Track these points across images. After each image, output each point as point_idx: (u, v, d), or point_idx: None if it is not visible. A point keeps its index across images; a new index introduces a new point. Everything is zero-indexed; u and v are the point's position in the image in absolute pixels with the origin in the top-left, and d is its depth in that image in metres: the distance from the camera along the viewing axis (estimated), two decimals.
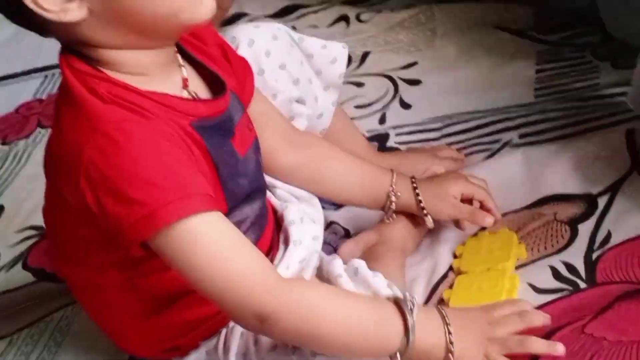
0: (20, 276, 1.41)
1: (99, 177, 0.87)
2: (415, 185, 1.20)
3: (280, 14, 1.97)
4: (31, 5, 0.85)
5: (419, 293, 1.12)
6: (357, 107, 1.56)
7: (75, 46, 0.91)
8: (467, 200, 1.20)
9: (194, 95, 0.97)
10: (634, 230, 1.12)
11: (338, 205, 1.31)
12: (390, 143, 1.44)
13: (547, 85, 1.48)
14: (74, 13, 0.86)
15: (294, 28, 1.84)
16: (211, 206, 0.89)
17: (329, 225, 1.28)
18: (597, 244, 1.13)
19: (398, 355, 0.92)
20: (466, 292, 1.10)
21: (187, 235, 0.87)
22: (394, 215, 1.21)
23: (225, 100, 0.99)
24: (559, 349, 0.95)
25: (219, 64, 1.02)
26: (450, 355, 0.94)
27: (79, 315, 1.27)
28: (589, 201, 1.19)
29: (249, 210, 1.04)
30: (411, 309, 0.92)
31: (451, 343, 0.94)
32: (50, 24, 0.87)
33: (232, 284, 0.89)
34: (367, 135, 1.46)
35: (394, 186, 1.19)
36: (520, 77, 1.52)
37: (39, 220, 1.46)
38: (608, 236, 1.13)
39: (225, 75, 1.01)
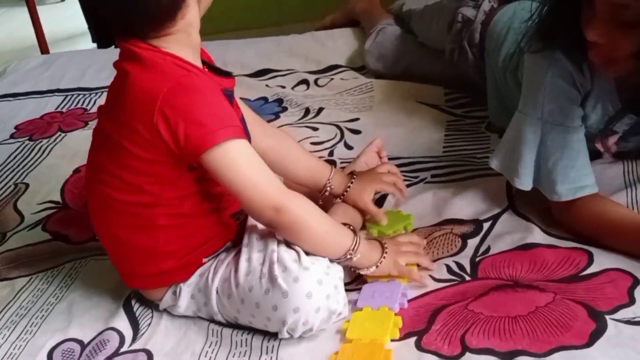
0: (39, 235, 1.44)
1: (174, 110, 0.99)
2: (352, 179, 1.30)
3: (256, 75, 2.03)
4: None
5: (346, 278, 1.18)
6: (312, 143, 1.62)
7: (148, 38, 1.03)
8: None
9: None
10: (505, 246, 1.22)
11: None
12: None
13: (451, 145, 1.56)
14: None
15: (267, 86, 1.95)
16: (244, 135, 1.03)
17: None
18: (480, 253, 1.22)
19: (351, 252, 1.10)
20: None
21: (235, 150, 1.02)
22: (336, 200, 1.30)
23: (234, 81, 1.13)
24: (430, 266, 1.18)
25: None
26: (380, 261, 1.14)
27: (86, 266, 1.32)
28: (477, 224, 1.28)
29: None
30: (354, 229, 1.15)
31: (385, 254, 1.14)
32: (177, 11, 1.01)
33: (259, 187, 1.04)
34: None
35: (330, 179, 1.28)
36: (434, 137, 1.59)
37: (56, 196, 1.56)
38: (488, 249, 1.22)
39: None
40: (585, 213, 1.21)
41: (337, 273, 1.09)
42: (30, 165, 1.72)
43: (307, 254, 1.07)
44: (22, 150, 1.80)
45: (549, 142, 1.22)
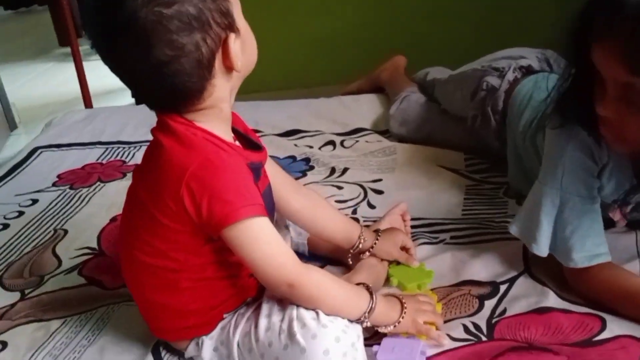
0: (75, 279, 1.45)
1: (200, 186, 0.99)
2: (378, 236, 1.32)
3: (286, 135, 2.06)
4: (234, 59, 1.02)
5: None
6: (337, 201, 1.62)
7: (180, 111, 1.04)
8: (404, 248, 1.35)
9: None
10: (521, 309, 1.20)
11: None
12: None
13: (470, 209, 1.56)
14: (238, 64, 1.03)
15: (295, 145, 1.98)
16: (265, 214, 1.03)
17: None
18: (496, 314, 1.20)
19: (366, 315, 1.09)
20: None
21: (253, 228, 1.02)
22: (364, 255, 1.32)
23: (264, 154, 1.14)
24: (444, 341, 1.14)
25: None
26: (400, 319, 1.13)
27: (118, 311, 1.32)
28: (494, 286, 1.27)
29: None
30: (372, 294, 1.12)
31: (404, 311, 1.13)
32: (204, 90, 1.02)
33: (275, 265, 1.04)
34: None
35: (362, 233, 1.31)
36: (453, 201, 1.59)
37: (93, 243, 1.57)
38: (504, 310, 1.21)
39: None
40: (599, 280, 1.20)
41: (355, 331, 1.08)
42: (70, 213, 1.74)
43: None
44: (62, 198, 1.82)
45: (567, 211, 1.22)
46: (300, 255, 1.40)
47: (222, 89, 1.04)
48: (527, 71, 1.67)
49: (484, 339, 1.16)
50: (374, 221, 1.48)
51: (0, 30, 5.85)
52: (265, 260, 1.04)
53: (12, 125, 3.16)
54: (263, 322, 1.08)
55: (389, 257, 1.33)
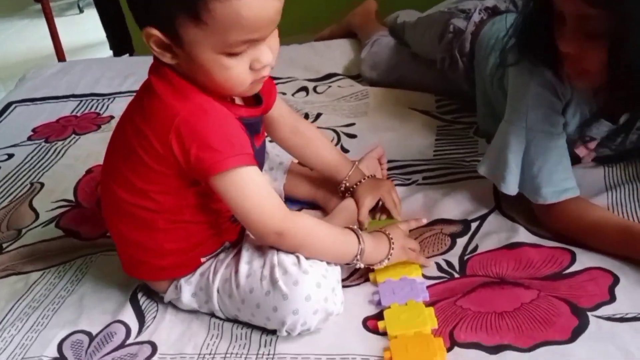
0: (52, 232, 1.41)
1: (190, 133, 0.95)
2: (362, 180, 1.29)
3: None
4: (152, 48, 0.95)
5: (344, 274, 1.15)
6: None
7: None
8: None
9: (240, 102, 1.07)
10: (492, 245, 1.18)
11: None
12: None
13: (442, 149, 1.53)
14: (167, 59, 0.97)
15: None
16: (254, 163, 0.99)
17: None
18: (468, 251, 1.19)
19: (357, 257, 1.07)
20: (385, 271, 1.13)
21: (242, 177, 0.98)
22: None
23: (260, 110, 1.09)
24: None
25: None
26: (390, 252, 1.12)
27: (96, 261, 1.29)
28: (465, 224, 1.25)
29: None
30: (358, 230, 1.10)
31: (392, 245, 1.12)
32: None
33: (264, 213, 1.00)
34: None
35: (348, 176, 1.29)
36: (425, 142, 1.56)
37: (70, 195, 1.53)
38: (475, 247, 1.19)
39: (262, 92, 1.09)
40: (567, 215, 1.18)
41: (335, 275, 1.06)
42: (46, 166, 1.69)
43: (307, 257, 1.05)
44: (38, 152, 1.76)
45: (533, 148, 1.19)
46: None
47: (177, 68, 0.99)
48: (493, 12, 1.62)
49: (456, 275, 1.14)
50: None
51: None
52: (253, 210, 1.00)
53: None
54: (244, 268, 1.05)
55: (372, 196, 1.28)
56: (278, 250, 1.04)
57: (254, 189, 1.00)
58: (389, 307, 1.06)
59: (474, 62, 1.60)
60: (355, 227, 1.13)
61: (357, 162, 1.32)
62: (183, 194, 1.03)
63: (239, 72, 0.96)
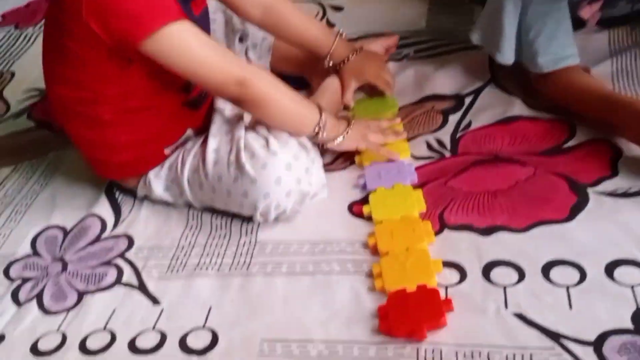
0: (25, 123, 1.35)
1: (102, 7, 0.85)
2: (350, 56, 1.17)
3: None
4: None
5: (327, 158, 1.10)
6: None
7: None
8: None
9: None
10: (486, 120, 1.11)
11: None
12: None
13: (434, 19, 1.42)
14: None
15: None
16: (184, 17, 0.89)
17: None
18: (461, 128, 1.11)
19: (319, 127, 0.99)
20: (372, 154, 1.06)
21: (174, 34, 0.88)
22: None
23: None
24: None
25: None
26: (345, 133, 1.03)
27: (69, 156, 1.23)
28: (458, 99, 1.17)
29: None
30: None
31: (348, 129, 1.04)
32: None
33: (217, 63, 0.92)
34: None
35: (334, 46, 1.16)
36: (417, 11, 1.45)
37: (41, 84, 1.42)
38: (469, 124, 1.11)
39: None
40: (563, 84, 1.08)
41: (309, 156, 0.99)
42: (16, 54, 1.60)
43: (276, 139, 0.97)
44: (7, 39, 1.67)
45: (530, 13, 1.09)
46: None
47: None
48: None
49: (447, 154, 1.07)
50: None
51: None
52: (203, 62, 0.91)
53: None
54: (211, 156, 0.98)
55: (358, 78, 1.18)
56: (246, 131, 0.98)
57: (195, 43, 0.90)
58: (375, 191, 1.00)
59: None
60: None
61: (339, 33, 1.19)
62: (122, 78, 0.94)
63: None
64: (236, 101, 0.96)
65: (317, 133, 1.00)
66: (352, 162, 1.09)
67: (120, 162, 1.04)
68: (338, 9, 1.52)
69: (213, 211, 1.04)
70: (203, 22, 1.02)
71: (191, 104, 1.02)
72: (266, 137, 0.96)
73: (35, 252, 1.04)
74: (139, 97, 0.97)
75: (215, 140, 0.99)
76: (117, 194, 1.12)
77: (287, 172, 0.94)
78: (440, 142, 1.10)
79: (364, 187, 1.02)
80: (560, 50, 1.08)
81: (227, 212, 1.02)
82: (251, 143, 0.96)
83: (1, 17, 1.78)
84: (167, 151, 1.04)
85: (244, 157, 0.94)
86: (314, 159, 1.00)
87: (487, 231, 0.92)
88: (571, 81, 1.08)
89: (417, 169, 1.05)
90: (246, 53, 1.25)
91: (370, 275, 0.89)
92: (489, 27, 1.15)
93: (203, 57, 0.90)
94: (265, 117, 0.97)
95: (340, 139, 1.03)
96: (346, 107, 1.19)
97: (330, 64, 1.18)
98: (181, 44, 0.88)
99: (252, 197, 0.95)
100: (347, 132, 1.03)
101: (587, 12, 1.17)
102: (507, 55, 1.12)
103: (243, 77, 0.92)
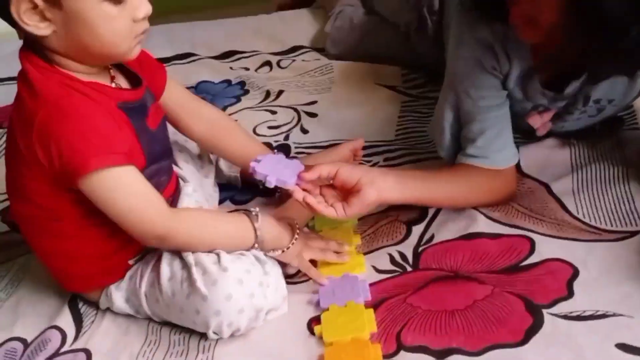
0: None
1: (48, 135, 0.88)
2: None
3: (222, 57, 1.91)
4: (16, 17, 0.85)
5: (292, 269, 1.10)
6: (270, 127, 1.53)
7: (36, 47, 0.91)
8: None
9: (119, 86, 0.98)
10: (449, 235, 1.12)
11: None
12: (292, 153, 1.42)
13: (404, 127, 1.46)
14: (43, 30, 0.87)
15: (231, 69, 1.84)
16: (128, 161, 0.91)
17: None
18: (424, 241, 1.12)
19: (255, 244, 0.99)
20: (328, 267, 1.08)
21: (111, 179, 0.90)
22: None
23: (141, 91, 1.00)
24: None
25: (132, 65, 1.02)
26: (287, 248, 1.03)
27: (37, 261, 1.20)
28: (423, 210, 1.18)
29: (164, 164, 1.05)
30: (256, 215, 1.00)
31: (290, 245, 1.04)
32: (26, 31, 0.87)
33: (139, 218, 0.93)
34: (275, 145, 1.45)
35: None
36: (387, 120, 1.49)
37: None
38: (432, 237, 1.12)
39: (138, 72, 1.02)
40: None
41: (263, 268, 0.99)
42: None
43: (228, 254, 0.98)
44: None
45: (461, 112, 1.16)
46: (234, 188, 1.32)
47: (51, 43, 0.89)
48: None
49: (409, 269, 1.08)
50: (307, 148, 1.40)
51: None
52: (127, 215, 0.93)
53: None
54: (165, 270, 0.99)
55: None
56: None
57: (124, 191, 0.91)
58: (328, 309, 1.00)
59: (443, 22, 1.50)
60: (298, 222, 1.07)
61: (275, 150, 1.24)
62: (76, 198, 0.95)
63: (123, 24, 0.89)
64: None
65: (257, 247, 1.01)
66: None
67: (83, 275, 1.04)
68: (313, 115, 1.56)
69: (172, 325, 1.04)
70: (161, 135, 1.05)
71: None
72: (218, 252, 0.97)
73: None
74: (98, 213, 0.96)
75: (169, 254, 1.00)
76: (80, 303, 1.11)
77: (238, 287, 0.94)
78: (402, 256, 1.11)
79: (318, 304, 1.02)
80: (475, 149, 1.14)
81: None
82: (202, 259, 0.96)
83: None
84: (131, 262, 1.04)
85: (195, 273, 0.95)
86: (268, 272, 0.99)
87: (443, 354, 0.91)
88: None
89: (378, 283, 1.05)
90: (217, 163, 1.28)
91: None
92: (434, 122, 1.23)
93: (126, 209, 0.92)
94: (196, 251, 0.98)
95: (278, 252, 1.04)
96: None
97: None
98: (110, 191, 0.91)
99: (203, 315, 0.95)
100: (289, 248, 1.04)
101: (537, 121, 1.20)
102: (444, 153, 1.20)
103: (161, 233, 0.94)
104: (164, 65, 1.15)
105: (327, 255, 1.09)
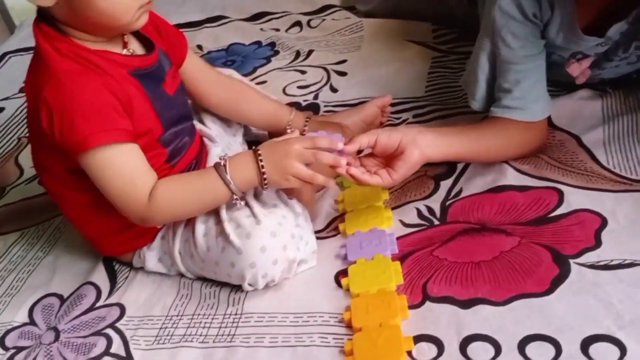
0: (35, 189, 1.38)
1: (52, 110, 0.89)
2: (307, 120, 1.22)
3: (252, 19, 1.89)
4: None
5: (320, 225, 1.12)
6: (299, 87, 1.52)
7: (48, 17, 0.92)
8: None
9: (132, 52, 0.99)
10: (476, 189, 1.11)
11: None
12: (321, 112, 1.42)
13: (434, 83, 1.44)
14: (45, 1, 0.88)
15: (261, 30, 1.84)
16: (127, 138, 0.92)
17: None
18: (451, 195, 1.12)
19: (233, 194, 0.95)
20: (355, 222, 1.09)
21: (104, 158, 0.91)
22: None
23: (154, 56, 1.01)
24: (344, 148, 0.99)
25: (150, 33, 1.03)
26: (263, 178, 0.95)
27: None
28: (451, 165, 1.17)
29: (184, 126, 1.06)
30: (224, 166, 0.94)
31: (263, 171, 0.95)
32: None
33: (124, 199, 0.94)
34: (304, 104, 1.45)
35: (290, 121, 1.20)
36: (417, 76, 1.47)
37: None
38: (460, 191, 1.12)
39: (157, 40, 1.03)
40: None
41: (295, 220, 1.01)
42: None
43: (261, 206, 0.99)
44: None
45: (498, 63, 1.13)
46: None
47: (56, 13, 0.91)
48: None
49: (436, 222, 1.08)
50: (336, 107, 1.39)
51: None
52: (114, 194, 0.94)
53: (11, 28, 3.04)
54: (200, 227, 1.01)
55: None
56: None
57: (114, 171, 0.92)
58: (355, 262, 1.01)
59: None
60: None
61: (293, 109, 1.24)
62: None
63: None
64: None
65: (236, 199, 0.97)
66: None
67: (114, 240, 1.08)
68: (342, 74, 1.56)
69: (204, 280, 1.06)
70: (180, 100, 1.06)
71: (173, 165, 1.04)
72: (252, 205, 0.98)
73: (31, 321, 1.07)
74: None
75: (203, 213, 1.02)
76: (114, 262, 1.15)
77: (272, 239, 0.96)
78: (430, 210, 1.11)
79: (345, 257, 1.03)
80: (512, 100, 1.11)
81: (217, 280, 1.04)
82: (236, 213, 0.98)
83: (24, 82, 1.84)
84: (160, 225, 1.07)
85: (229, 227, 0.96)
86: (301, 224, 1.01)
87: (468, 304, 0.92)
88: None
89: (405, 237, 1.06)
90: None
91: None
92: (468, 73, 1.20)
93: (114, 188, 0.93)
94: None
95: (266, 187, 0.96)
96: None
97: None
98: (102, 169, 0.92)
99: (238, 267, 0.97)
100: (265, 177, 0.95)
101: (576, 69, 1.18)
102: (477, 104, 1.17)
103: (142, 215, 0.95)
104: (184, 32, 1.15)
105: (319, 156, 0.97)
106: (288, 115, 1.21)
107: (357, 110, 1.31)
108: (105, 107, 0.91)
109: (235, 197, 0.96)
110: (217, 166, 0.96)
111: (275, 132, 1.18)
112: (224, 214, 0.98)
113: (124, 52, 0.98)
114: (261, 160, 0.95)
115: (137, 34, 1.02)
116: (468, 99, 1.20)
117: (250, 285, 0.99)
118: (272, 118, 1.20)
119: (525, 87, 1.11)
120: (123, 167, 0.93)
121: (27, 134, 1.56)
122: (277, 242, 0.96)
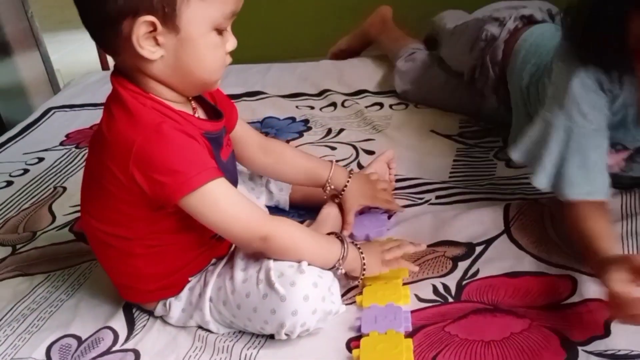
0: (65, 235, 1.43)
1: (148, 160, 0.95)
2: (349, 177, 1.28)
3: (290, 97, 1.99)
4: (134, 41, 0.93)
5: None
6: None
7: (129, 73, 0.98)
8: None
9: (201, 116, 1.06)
10: (493, 272, 1.14)
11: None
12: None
13: (458, 171, 1.49)
14: (154, 55, 0.95)
15: (297, 107, 1.92)
16: (220, 174, 0.98)
17: None
18: (468, 275, 1.15)
19: (340, 261, 1.06)
20: (372, 296, 1.10)
21: (211, 193, 0.97)
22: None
23: (221, 123, 1.08)
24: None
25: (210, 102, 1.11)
26: (363, 265, 1.10)
27: (99, 267, 1.26)
28: (469, 247, 1.21)
29: None
30: (344, 240, 1.09)
31: (363, 259, 1.10)
32: (133, 56, 0.95)
33: (242, 221, 1.01)
34: None
35: (330, 178, 1.27)
36: (442, 163, 1.53)
37: None
38: (476, 272, 1.15)
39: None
40: (575, 216, 1.12)
41: (330, 275, 1.06)
42: (72, 171, 1.72)
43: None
44: (67, 157, 1.81)
45: (572, 143, 1.14)
46: (282, 210, 1.39)
47: (154, 69, 0.97)
48: (529, 21, 1.56)
49: (450, 300, 1.11)
50: None
51: None
52: (231, 221, 1.00)
53: (56, 90, 3.17)
54: (239, 275, 1.05)
55: (358, 201, 1.28)
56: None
57: (226, 201, 0.99)
58: (368, 335, 1.03)
59: (507, 71, 1.54)
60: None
61: (333, 162, 1.30)
62: (154, 219, 1.03)
63: (222, 54, 0.99)
64: (261, 252, 1.04)
65: (338, 267, 1.08)
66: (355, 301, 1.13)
67: (144, 290, 1.12)
68: (370, 152, 1.62)
69: (224, 332, 1.10)
70: (231, 166, 1.12)
71: (218, 237, 1.09)
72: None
73: (48, 359, 1.10)
74: (171, 235, 1.05)
75: (243, 262, 1.07)
76: (134, 308, 1.18)
77: (314, 289, 1.00)
78: (446, 287, 1.13)
79: (359, 329, 1.06)
80: (587, 183, 1.13)
81: (234, 334, 1.08)
82: (279, 263, 1.03)
83: (66, 136, 1.94)
84: (190, 279, 1.11)
85: (273, 275, 1.01)
86: (333, 278, 1.07)
87: None
88: (584, 217, 1.11)
89: (418, 311, 1.08)
90: (267, 185, 1.36)
91: None
92: (532, 149, 1.19)
93: (230, 216, 1.00)
94: (290, 260, 1.04)
95: (364, 272, 1.11)
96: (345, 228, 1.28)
97: (328, 191, 1.28)
98: (214, 203, 0.98)
99: (280, 314, 1.00)
100: (365, 268, 1.11)
101: (612, 159, 1.21)
102: (541, 181, 1.16)
103: (266, 234, 1.01)
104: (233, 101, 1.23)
105: (407, 247, 1.15)
106: (327, 172, 1.27)
107: (368, 170, 1.38)
108: (199, 149, 0.98)
109: (339, 265, 1.07)
110: (337, 235, 1.11)
111: (317, 187, 1.28)
112: (270, 263, 1.03)
113: (196, 115, 1.05)
114: (361, 253, 1.11)
115: (200, 100, 1.09)
116: (532, 175, 1.18)
117: (286, 334, 1.02)
118: (311, 176, 1.28)
119: (601, 166, 1.14)
120: (232, 195, 1.00)
121: (63, 184, 1.65)
122: (318, 293, 1.01)
